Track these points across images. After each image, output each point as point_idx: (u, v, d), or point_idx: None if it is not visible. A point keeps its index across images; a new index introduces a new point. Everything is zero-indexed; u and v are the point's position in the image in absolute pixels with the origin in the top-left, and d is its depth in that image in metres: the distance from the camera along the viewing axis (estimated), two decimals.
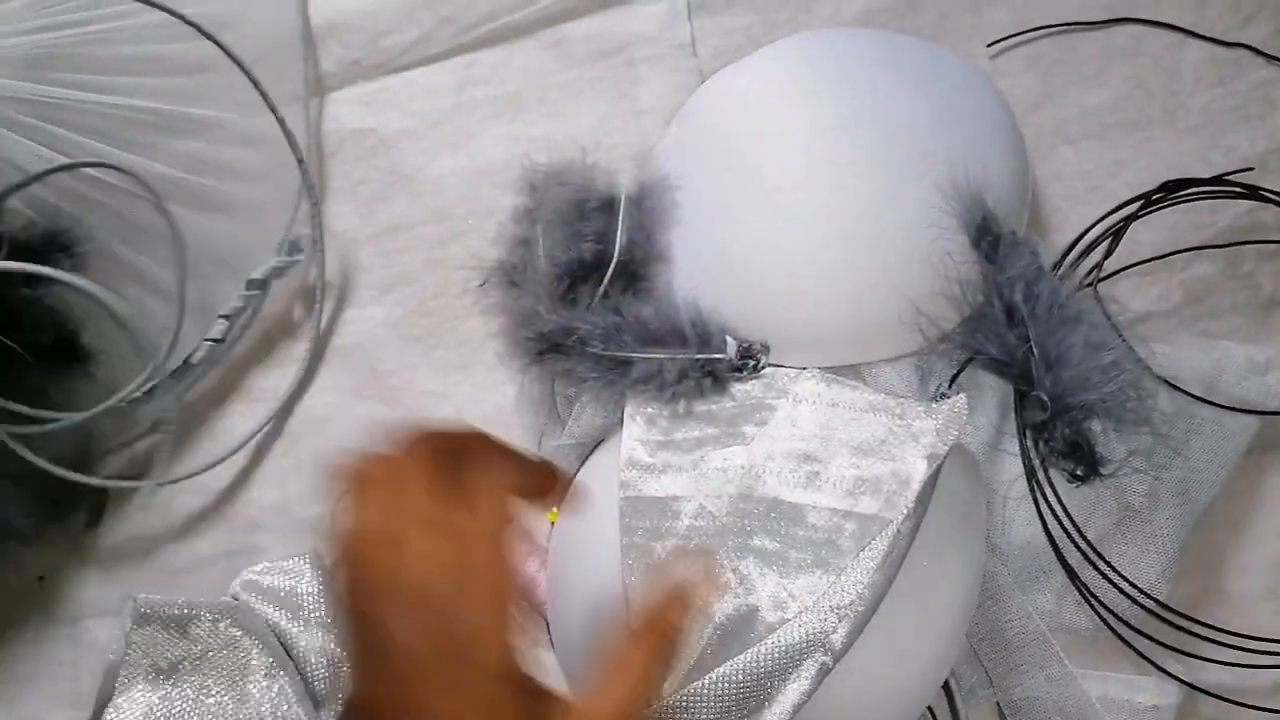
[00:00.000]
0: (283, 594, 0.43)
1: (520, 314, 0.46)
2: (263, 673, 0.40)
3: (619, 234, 0.45)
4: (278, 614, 0.43)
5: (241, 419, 0.50)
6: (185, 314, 0.47)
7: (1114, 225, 0.47)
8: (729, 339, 0.44)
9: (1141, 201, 0.47)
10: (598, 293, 0.45)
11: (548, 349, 0.44)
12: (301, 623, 0.43)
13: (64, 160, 0.45)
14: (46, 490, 0.46)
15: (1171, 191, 0.47)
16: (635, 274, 0.46)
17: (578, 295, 0.45)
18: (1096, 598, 0.43)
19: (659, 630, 0.29)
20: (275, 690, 0.40)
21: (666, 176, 0.47)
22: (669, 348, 0.43)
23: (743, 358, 0.44)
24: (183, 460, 0.49)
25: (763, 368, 0.44)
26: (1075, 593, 0.43)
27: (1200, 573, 0.45)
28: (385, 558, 0.25)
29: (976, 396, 0.45)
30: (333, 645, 0.42)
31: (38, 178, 0.44)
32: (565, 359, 0.44)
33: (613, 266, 0.45)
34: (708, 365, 0.43)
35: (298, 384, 0.50)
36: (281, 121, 0.48)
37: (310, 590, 0.44)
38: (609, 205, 0.46)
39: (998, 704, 0.45)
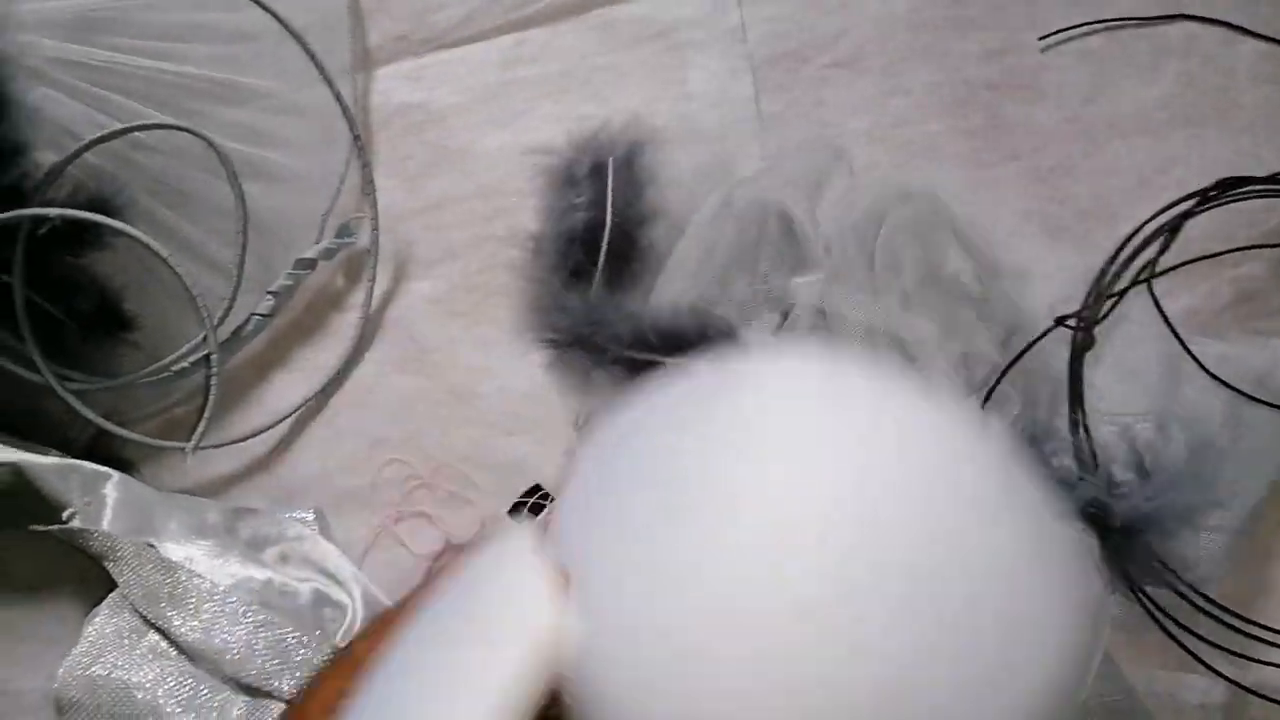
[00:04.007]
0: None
1: (539, 304, 0.46)
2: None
3: (609, 196, 0.45)
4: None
5: (283, 388, 0.50)
6: (222, 279, 0.47)
7: (1169, 221, 0.47)
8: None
9: (1198, 198, 0.47)
10: (599, 260, 0.44)
11: (569, 344, 0.44)
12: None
13: (117, 125, 0.45)
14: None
15: (1228, 189, 0.47)
16: (631, 236, 0.45)
17: (581, 274, 0.45)
18: (1144, 592, 0.42)
19: None
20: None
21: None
22: (692, 351, 0.43)
23: None
24: (221, 428, 0.49)
25: None
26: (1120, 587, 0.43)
27: (1248, 571, 0.45)
28: None
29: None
30: None
31: (114, 135, 0.44)
32: (586, 357, 0.44)
33: (608, 228, 0.44)
34: None
35: (346, 359, 0.50)
36: (338, 95, 0.48)
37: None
38: (599, 170, 0.45)
39: None
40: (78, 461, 0.43)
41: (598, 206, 0.45)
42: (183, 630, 0.38)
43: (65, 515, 0.42)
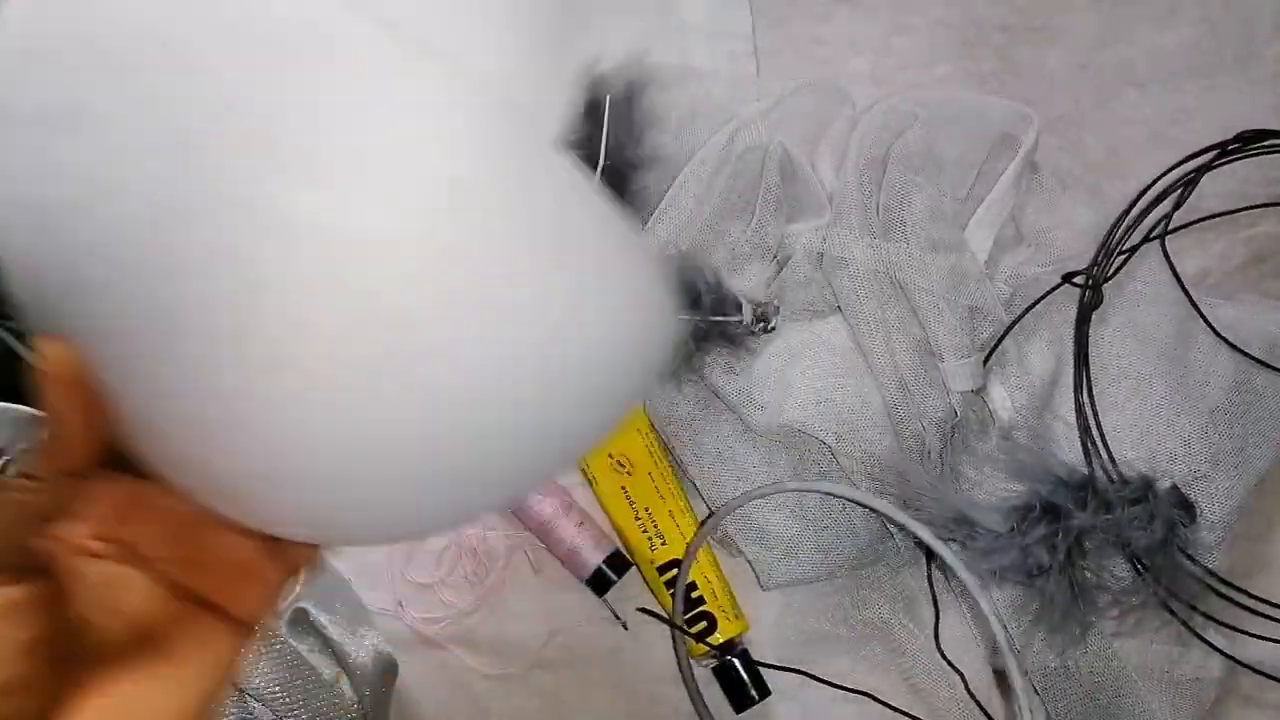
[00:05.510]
0: None
1: None
2: None
3: (604, 136, 0.42)
4: None
5: None
6: None
7: (1184, 176, 0.44)
8: (744, 301, 0.42)
9: (1214, 152, 0.44)
10: None
11: None
12: None
13: None
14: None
15: (1248, 143, 0.44)
16: (624, 179, 0.43)
17: None
18: (1144, 565, 0.41)
19: None
20: None
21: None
22: (683, 309, 0.41)
23: (757, 320, 0.42)
24: None
25: (774, 328, 0.42)
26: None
27: (1247, 543, 0.43)
28: None
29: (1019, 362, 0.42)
30: None
31: None
32: None
33: (599, 170, 0.42)
34: (722, 327, 0.42)
35: None
36: None
37: None
38: (594, 109, 0.42)
39: (1024, 672, 0.43)
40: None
41: (590, 146, 0.42)
42: None
43: None
